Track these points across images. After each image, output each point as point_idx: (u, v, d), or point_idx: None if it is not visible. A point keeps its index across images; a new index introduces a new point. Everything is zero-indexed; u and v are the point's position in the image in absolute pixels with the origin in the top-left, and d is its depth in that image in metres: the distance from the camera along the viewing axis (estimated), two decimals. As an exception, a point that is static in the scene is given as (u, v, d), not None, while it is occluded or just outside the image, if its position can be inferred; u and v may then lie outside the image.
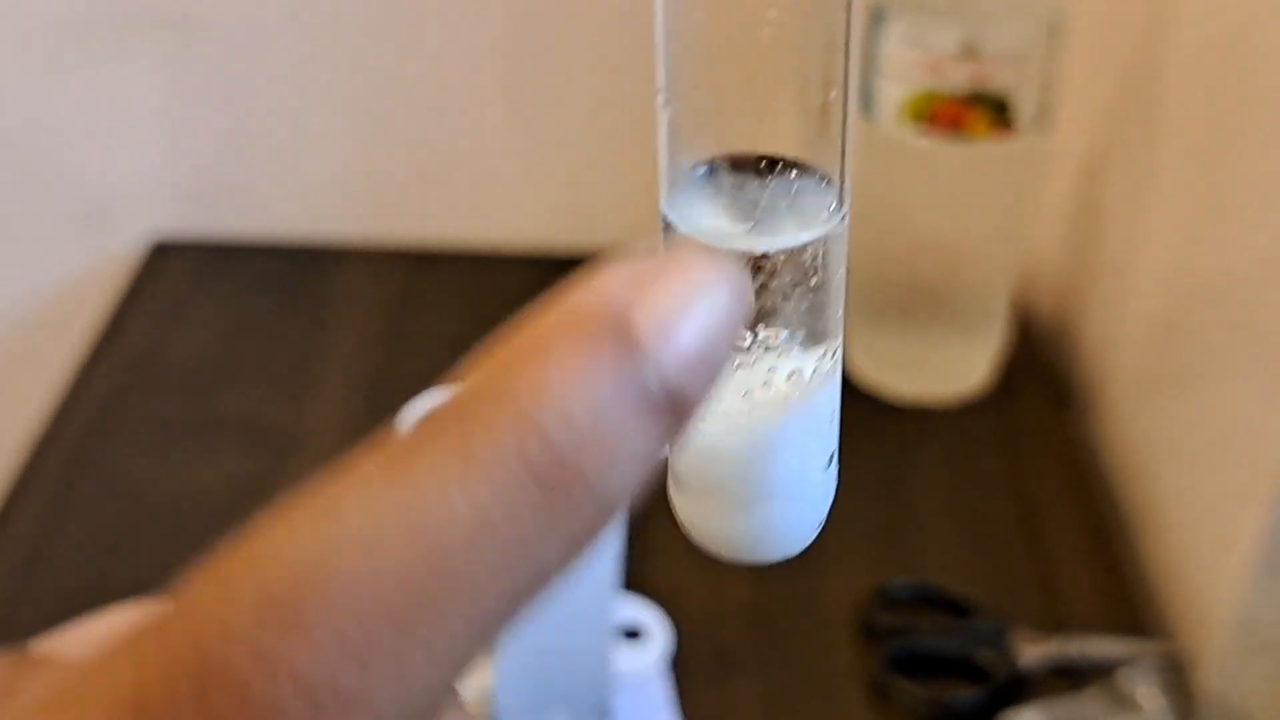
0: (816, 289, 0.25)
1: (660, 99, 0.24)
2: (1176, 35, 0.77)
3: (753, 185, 0.24)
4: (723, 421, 0.25)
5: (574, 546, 0.20)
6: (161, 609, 0.19)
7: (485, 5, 0.90)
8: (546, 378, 0.20)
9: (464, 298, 0.93)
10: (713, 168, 0.25)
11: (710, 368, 0.20)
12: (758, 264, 0.24)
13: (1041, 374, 0.87)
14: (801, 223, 0.25)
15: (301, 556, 0.18)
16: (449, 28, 0.91)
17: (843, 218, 0.25)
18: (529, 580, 0.19)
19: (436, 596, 0.19)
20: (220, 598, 0.18)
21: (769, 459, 0.26)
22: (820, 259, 0.25)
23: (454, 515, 0.19)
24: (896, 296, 0.81)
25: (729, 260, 0.21)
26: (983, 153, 0.75)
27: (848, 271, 0.26)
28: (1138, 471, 0.79)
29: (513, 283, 0.94)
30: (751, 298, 0.23)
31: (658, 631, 0.65)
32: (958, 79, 0.73)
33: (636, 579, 0.69)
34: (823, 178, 0.25)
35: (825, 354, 0.26)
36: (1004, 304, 0.83)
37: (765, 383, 0.25)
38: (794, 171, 0.25)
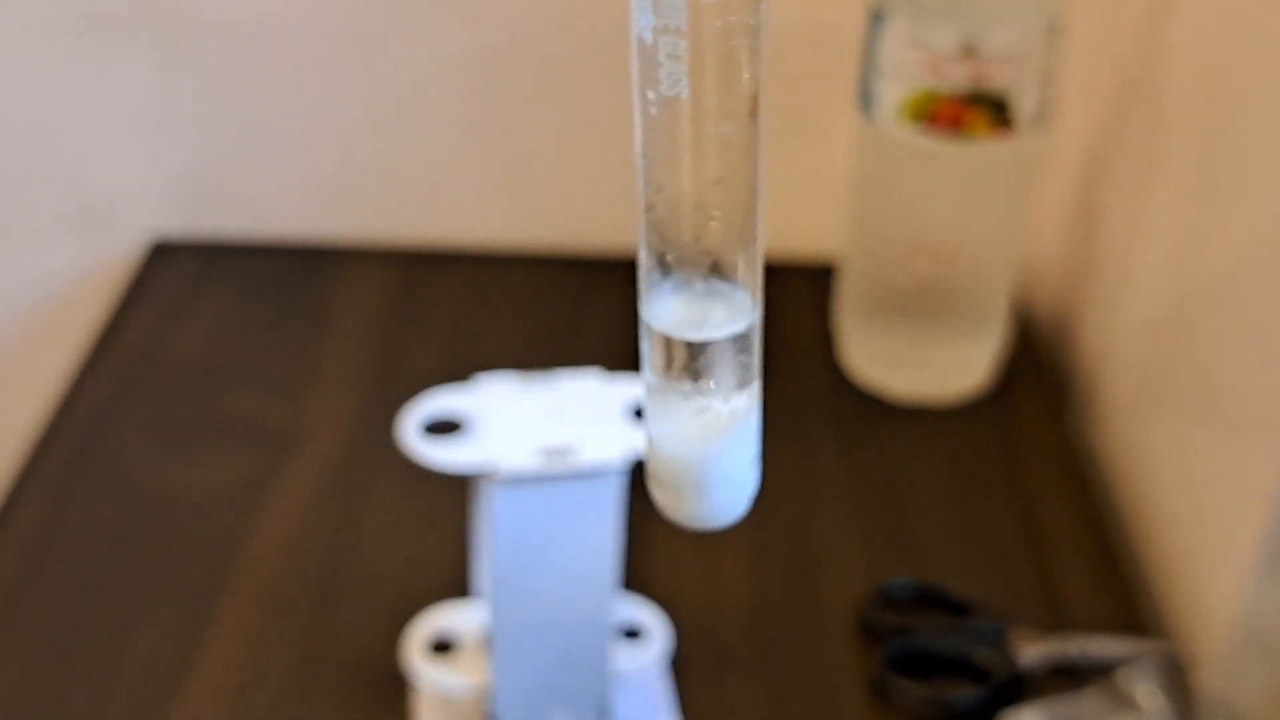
0: (743, 353, 0.39)
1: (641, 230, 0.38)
2: (1173, 35, 0.77)
3: (701, 292, 0.38)
4: (684, 439, 0.39)
5: None
6: None
7: (479, 9, 0.90)
8: None
9: (462, 296, 0.93)
10: (675, 282, 0.38)
11: None
12: (704, 346, 0.38)
13: (1041, 374, 0.88)
14: (732, 318, 0.38)
15: None
16: (443, 31, 0.91)
17: (757, 312, 0.39)
18: None
19: None
20: None
21: (716, 463, 0.40)
22: (745, 337, 0.39)
23: None
24: (896, 296, 0.81)
25: None
26: (982, 152, 0.75)
27: (761, 332, 0.39)
28: (1137, 471, 0.79)
29: (510, 281, 0.94)
30: None
31: (657, 631, 0.65)
32: (957, 78, 0.73)
33: (636, 579, 0.70)
34: (744, 286, 0.38)
35: (750, 393, 0.40)
36: (1003, 304, 0.84)
37: (714, 414, 0.39)
38: (726, 284, 0.38)
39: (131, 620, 0.67)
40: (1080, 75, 0.89)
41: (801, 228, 0.97)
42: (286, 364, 0.84)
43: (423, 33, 0.91)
